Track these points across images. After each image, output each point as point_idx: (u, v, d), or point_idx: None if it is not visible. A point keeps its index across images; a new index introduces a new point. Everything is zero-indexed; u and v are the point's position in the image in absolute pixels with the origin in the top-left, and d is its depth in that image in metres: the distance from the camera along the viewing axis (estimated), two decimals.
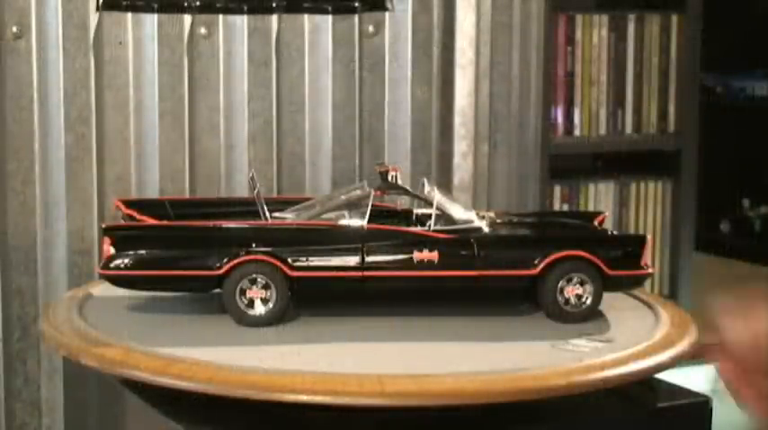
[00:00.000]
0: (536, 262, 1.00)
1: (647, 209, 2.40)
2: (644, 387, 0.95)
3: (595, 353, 0.92)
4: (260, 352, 0.93)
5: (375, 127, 1.75)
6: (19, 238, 1.56)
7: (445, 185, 1.75)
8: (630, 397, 0.93)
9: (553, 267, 1.00)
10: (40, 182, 1.57)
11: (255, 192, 1.06)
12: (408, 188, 1.06)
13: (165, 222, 1.07)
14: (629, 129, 2.36)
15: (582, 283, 1.00)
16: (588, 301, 1.01)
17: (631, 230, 2.40)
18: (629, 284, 1.04)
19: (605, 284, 1.01)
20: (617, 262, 1.01)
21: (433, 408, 0.85)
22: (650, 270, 1.01)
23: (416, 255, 1.00)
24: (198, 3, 1.63)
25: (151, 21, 1.60)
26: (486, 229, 1.03)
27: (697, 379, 1.17)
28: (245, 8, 1.65)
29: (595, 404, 0.90)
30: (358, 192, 1.07)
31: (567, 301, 1.00)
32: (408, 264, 1.00)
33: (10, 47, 1.54)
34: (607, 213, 1.13)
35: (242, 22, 1.65)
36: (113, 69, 1.60)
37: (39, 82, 1.56)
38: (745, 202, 2.95)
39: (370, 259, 1.00)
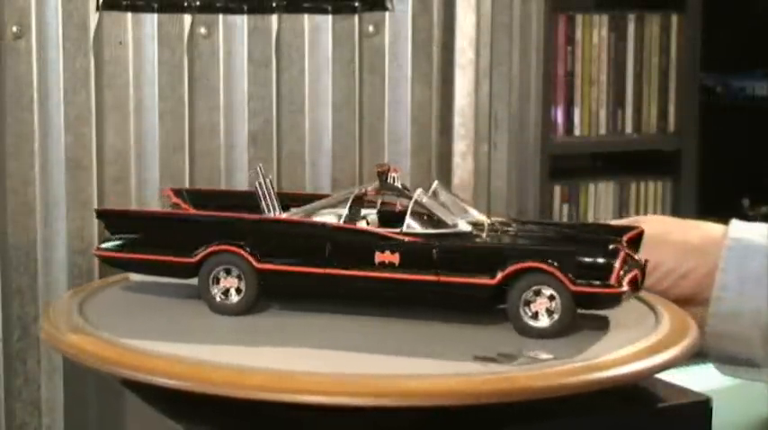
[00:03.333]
0: (496, 272, 0.97)
1: (647, 209, 2.40)
2: (644, 387, 0.95)
3: (522, 367, 0.89)
4: (260, 352, 0.93)
5: (375, 127, 1.75)
6: (19, 238, 1.56)
7: (445, 185, 1.75)
8: (630, 397, 0.93)
9: (518, 279, 0.96)
10: (40, 182, 1.57)
11: (257, 183, 1.07)
12: (402, 188, 1.05)
13: (152, 209, 1.09)
14: (629, 129, 2.36)
15: (551, 298, 0.95)
16: (555, 317, 0.95)
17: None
18: (597, 302, 0.96)
19: (574, 300, 0.95)
20: (583, 276, 0.95)
21: (430, 409, 0.85)
22: (622, 289, 0.94)
23: (378, 256, 1.00)
24: (198, 3, 1.63)
25: (151, 21, 1.61)
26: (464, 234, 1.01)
27: (697, 379, 1.17)
28: (245, 8, 1.65)
29: (595, 404, 0.90)
30: (355, 191, 1.07)
31: (535, 315, 0.96)
32: (370, 264, 1.00)
33: (10, 47, 1.54)
34: (642, 227, 1.03)
35: (242, 22, 1.65)
36: (113, 69, 1.60)
37: (39, 82, 1.56)
38: (745, 202, 2.95)
39: (333, 257, 1.01)
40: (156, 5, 1.60)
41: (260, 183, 1.06)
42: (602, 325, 0.98)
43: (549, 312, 0.95)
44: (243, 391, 0.85)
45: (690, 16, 2.36)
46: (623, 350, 0.92)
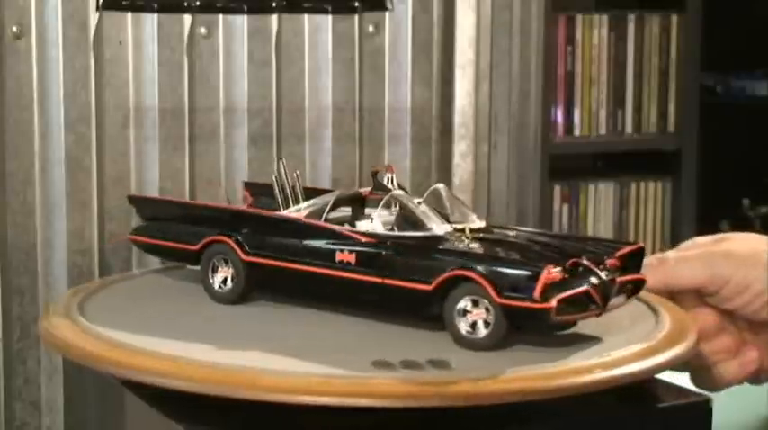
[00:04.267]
0: (431, 278, 0.94)
1: (647, 209, 2.40)
2: (644, 387, 0.95)
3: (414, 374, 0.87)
4: (262, 352, 0.93)
5: (375, 127, 1.75)
6: (19, 239, 1.56)
7: (446, 186, 1.75)
8: (630, 397, 0.93)
9: (454, 287, 0.93)
10: (39, 182, 1.57)
11: (273, 177, 1.10)
12: (391, 189, 1.06)
13: (171, 198, 1.15)
14: (629, 129, 2.36)
15: (488, 310, 0.92)
16: (489, 329, 0.92)
17: (631, 230, 2.40)
18: (523, 317, 0.92)
19: (504, 313, 0.91)
20: (512, 289, 0.91)
21: (430, 409, 0.85)
22: (546, 305, 0.89)
23: (338, 255, 1.00)
24: (198, 3, 1.63)
25: (151, 21, 1.61)
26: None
27: None
28: (245, 8, 1.65)
29: (595, 404, 0.90)
30: (336, 192, 1.09)
31: (474, 325, 0.93)
32: (332, 262, 1.01)
33: (10, 47, 1.54)
34: (642, 244, 0.99)
35: (242, 22, 1.65)
36: (113, 69, 1.60)
37: (39, 82, 1.56)
38: (745, 202, 2.95)
39: (303, 253, 1.02)
40: (156, 5, 1.60)
41: (275, 178, 1.09)
42: (602, 325, 0.98)
43: (487, 324, 0.92)
44: (240, 391, 0.85)
45: (690, 16, 2.36)
46: (623, 350, 0.92)
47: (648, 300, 1.05)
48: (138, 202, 1.19)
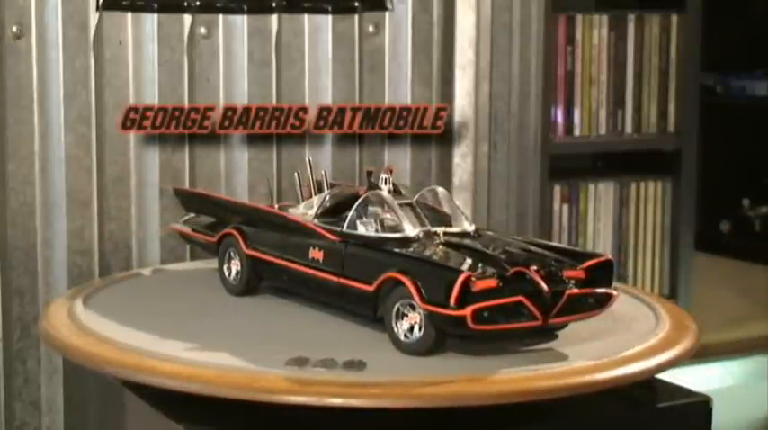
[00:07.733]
0: (373, 279, 0.93)
1: (647, 209, 2.40)
2: (644, 387, 0.95)
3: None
4: (260, 353, 0.93)
5: (375, 127, 1.75)
6: (19, 238, 1.56)
7: (445, 185, 1.75)
8: (630, 397, 0.93)
9: (392, 290, 0.92)
10: (39, 182, 1.57)
11: (296, 174, 1.13)
12: (385, 189, 1.06)
13: (208, 193, 1.27)
14: (629, 129, 2.36)
15: (420, 314, 0.91)
16: (419, 334, 0.91)
17: (631, 230, 2.40)
18: (443, 323, 0.90)
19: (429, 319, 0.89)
20: (431, 295, 0.90)
21: (432, 409, 0.85)
22: (462, 312, 0.87)
23: (311, 252, 1.01)
24: (198, 3, 1.63)
25: (151, 21, 1.61)
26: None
27: (697, 379, 1.18)
28: (245, 8, 1.65)
29: (595, 404, 0.90)
30: (328, 191, 1.10)
31: (411, 329, 0.91)
32: (306, 259, 1.02)
33: (10, 47, 1.54)
34: (609, 256, 0.96)
35: (242, 22, 1.65)
36: (113, 69, 1.60)
37: (39, 82, 1.56)
38: (745, 202, 2.95)
39: (285, 248, 1.05)
40: (156, 5, 1.60)
41: (298, 174, 1.12)
42: (603, 325, 0.98)
43: (421, 328, 0.91)
44: (239, 392, 0.86)
45: (690, 16, 2.36)
46: (624, 351, 0.92)
47: (648, 299, 1.05)
48: (183, 196, 1.25)
